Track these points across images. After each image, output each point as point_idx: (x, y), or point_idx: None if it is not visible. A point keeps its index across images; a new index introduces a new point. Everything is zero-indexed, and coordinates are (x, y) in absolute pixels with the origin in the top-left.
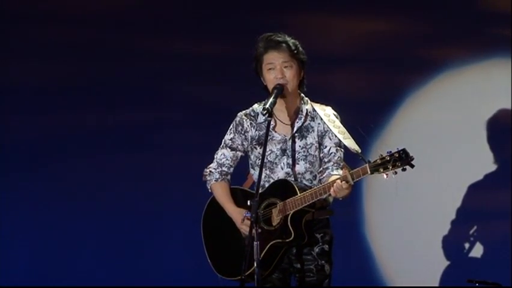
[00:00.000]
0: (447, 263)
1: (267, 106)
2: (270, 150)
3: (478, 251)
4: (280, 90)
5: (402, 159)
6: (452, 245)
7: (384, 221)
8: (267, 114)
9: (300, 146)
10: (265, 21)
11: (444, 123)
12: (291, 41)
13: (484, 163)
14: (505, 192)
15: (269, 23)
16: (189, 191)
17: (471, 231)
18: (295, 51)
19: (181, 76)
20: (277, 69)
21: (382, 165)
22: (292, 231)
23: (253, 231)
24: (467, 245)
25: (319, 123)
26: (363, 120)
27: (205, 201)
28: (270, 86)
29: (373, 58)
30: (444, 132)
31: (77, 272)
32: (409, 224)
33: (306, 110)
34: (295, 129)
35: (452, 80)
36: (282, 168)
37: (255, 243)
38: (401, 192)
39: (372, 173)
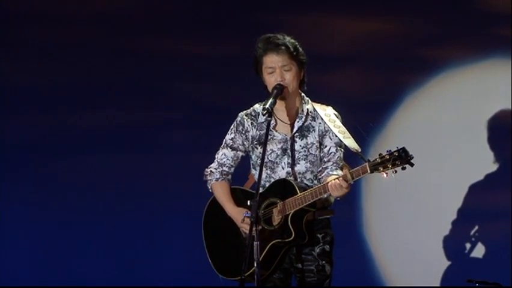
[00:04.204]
0: (447, 263)
1: (267, 106)
2: (270, 149)
3: (478, 251)
4: (280, 90)
5: (402, 158)
6: (452, 245)
7: (384, 221)
8: (267, 114)
9: (300, 146)
10: (265, 21)
11: (444, 123)
12: (290, 42)
13: (484, 163)
14: (505, 192)
15: (269, 23)
16: (189, 190)
17: (471, 231)
18: (294, 53)
19: (181, 76)
20: (277, 72)
21: (382, 164)
22: (292, 231)
23: (253, 231)
24: (467, 245)
25: (320, 123)
26: (363, 120)
27: (206, 201)
28: (270, 88)
29: (373, 58)
30: (444, 132)
31: (77, 272)
32: (408, 224)
33: (307, 109)
34: (295, 129)
35: (452, 80)
36: (283, 168)
37: (255, 243)
38: (401, 192)
39: (372, 171)
